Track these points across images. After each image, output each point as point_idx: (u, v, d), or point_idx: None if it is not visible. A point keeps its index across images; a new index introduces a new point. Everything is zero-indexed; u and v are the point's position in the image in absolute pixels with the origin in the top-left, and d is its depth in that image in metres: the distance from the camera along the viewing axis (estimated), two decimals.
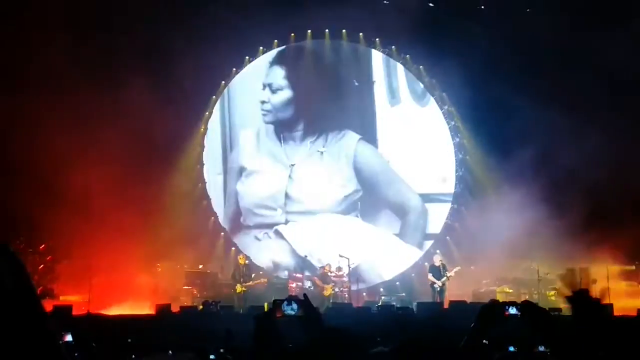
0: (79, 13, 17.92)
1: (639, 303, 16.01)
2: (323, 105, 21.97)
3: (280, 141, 21.98)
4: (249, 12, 19.50)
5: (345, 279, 18.37)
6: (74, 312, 13.74)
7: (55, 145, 16.58)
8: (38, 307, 2.05)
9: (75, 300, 16.50)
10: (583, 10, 18.88)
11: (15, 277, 2.00)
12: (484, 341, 3.84)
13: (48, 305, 14.43)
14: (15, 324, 1.94)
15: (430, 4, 20.70)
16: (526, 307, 3.94)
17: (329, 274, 18.26)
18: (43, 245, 17.17)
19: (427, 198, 22.24)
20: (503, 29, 20.05)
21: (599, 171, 17.49)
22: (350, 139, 22.16)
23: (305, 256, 19.34)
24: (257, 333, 3.38)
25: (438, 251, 19.40)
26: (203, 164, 21.84)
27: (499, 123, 19.64)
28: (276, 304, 3.52)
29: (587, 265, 17.44)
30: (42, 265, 17.31)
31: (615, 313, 14.19)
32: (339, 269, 18.51)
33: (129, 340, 7.45)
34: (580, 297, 3.53)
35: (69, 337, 5.68)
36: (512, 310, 4.11)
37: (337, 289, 18.14)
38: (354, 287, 18.57)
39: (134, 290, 17.33)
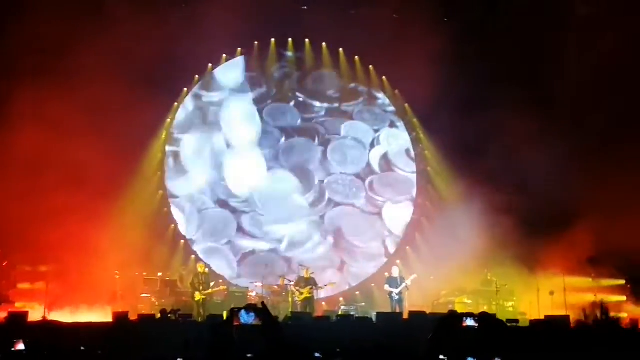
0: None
1: None
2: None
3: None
4: (212, 19, 19.39)
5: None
6: (30, 319, 13.48)
7: (16, 148, 16.36)
8: None
9: (32, 307, 16.23)
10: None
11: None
12: (442, 357, 3.85)
13: (3, 312, 14.20)
14: None
15: (395, 15, 20.80)
16: (483, 318, 3.98)
17: (308, 277, 18.00)
18: None
19: (387, 208, 22.38)
20: (466, 38, 20.27)
21: (561, 182, 17.66)
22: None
23: (266, 265, 19.25)
24: (213, 342, 3.34)
25: (398, 261, 19.42)
26: (164, 171, 21.62)
27: (461, 134, 19.78)
28: (234, 313, 3.48)
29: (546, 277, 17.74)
30: None
31: None
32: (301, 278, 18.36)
33: (82, 349, 7.29)
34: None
35: (21, 346, 5.56)
36: (470, 322, 4.13)
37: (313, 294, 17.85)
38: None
39: (92, 297, 17.06)
